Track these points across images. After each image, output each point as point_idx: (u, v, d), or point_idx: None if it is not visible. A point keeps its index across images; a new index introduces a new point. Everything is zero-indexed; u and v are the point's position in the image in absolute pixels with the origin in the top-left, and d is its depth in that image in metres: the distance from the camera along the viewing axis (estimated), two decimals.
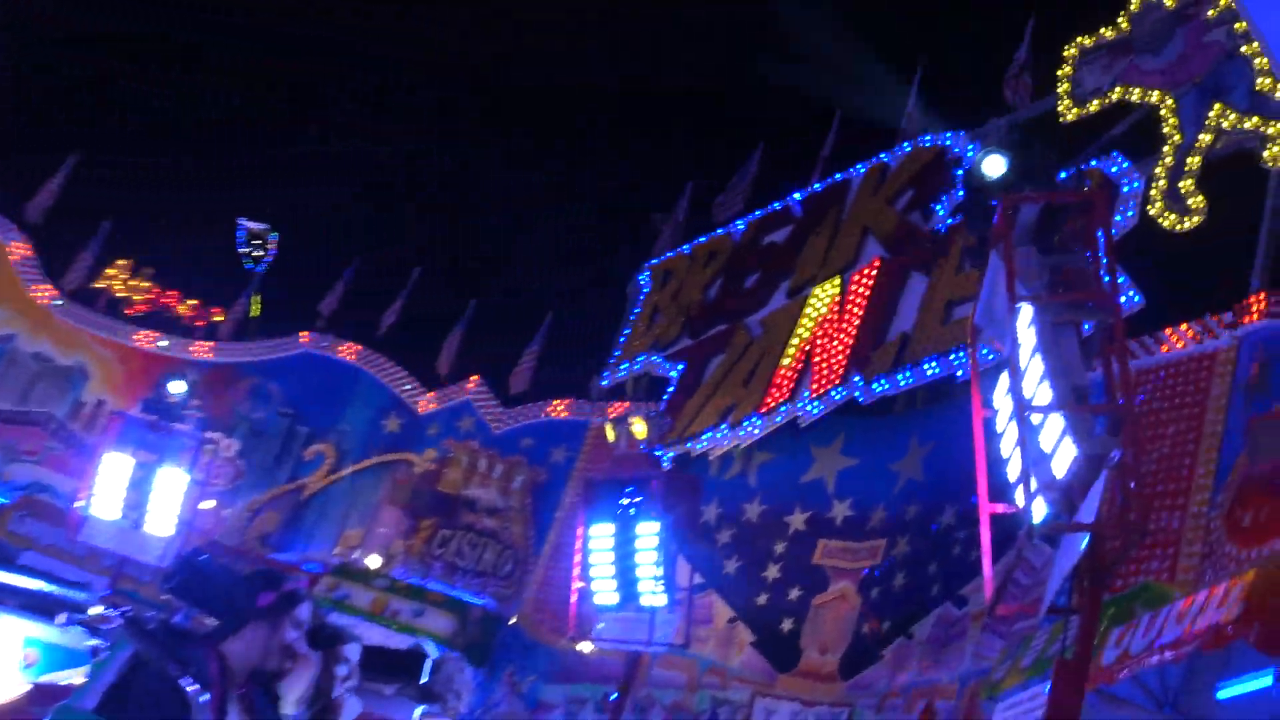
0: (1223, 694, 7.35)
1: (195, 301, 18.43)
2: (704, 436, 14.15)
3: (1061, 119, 12.54)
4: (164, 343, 17.30)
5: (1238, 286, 10.64)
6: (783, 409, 13.60)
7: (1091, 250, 6.94)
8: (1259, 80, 10.93)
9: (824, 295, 14.15)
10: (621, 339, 16.36)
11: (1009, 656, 9.64)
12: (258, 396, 16.90)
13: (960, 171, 12.12)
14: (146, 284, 18.29)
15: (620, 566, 11.55)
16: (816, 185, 15.44)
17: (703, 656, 13.11)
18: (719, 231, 16.33)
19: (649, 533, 11.48)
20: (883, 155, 14.70)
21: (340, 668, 6.39)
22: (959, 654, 11.20)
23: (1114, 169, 11.61)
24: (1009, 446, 6.86)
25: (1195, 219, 11.07)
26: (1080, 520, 6.40)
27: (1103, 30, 12.46)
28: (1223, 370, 10.34)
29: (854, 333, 13.33)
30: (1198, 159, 11.16)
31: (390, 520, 15.59)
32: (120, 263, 18.34)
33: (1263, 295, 10.34)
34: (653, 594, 11.42)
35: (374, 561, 15.02)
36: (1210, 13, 11.54)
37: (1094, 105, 12.36)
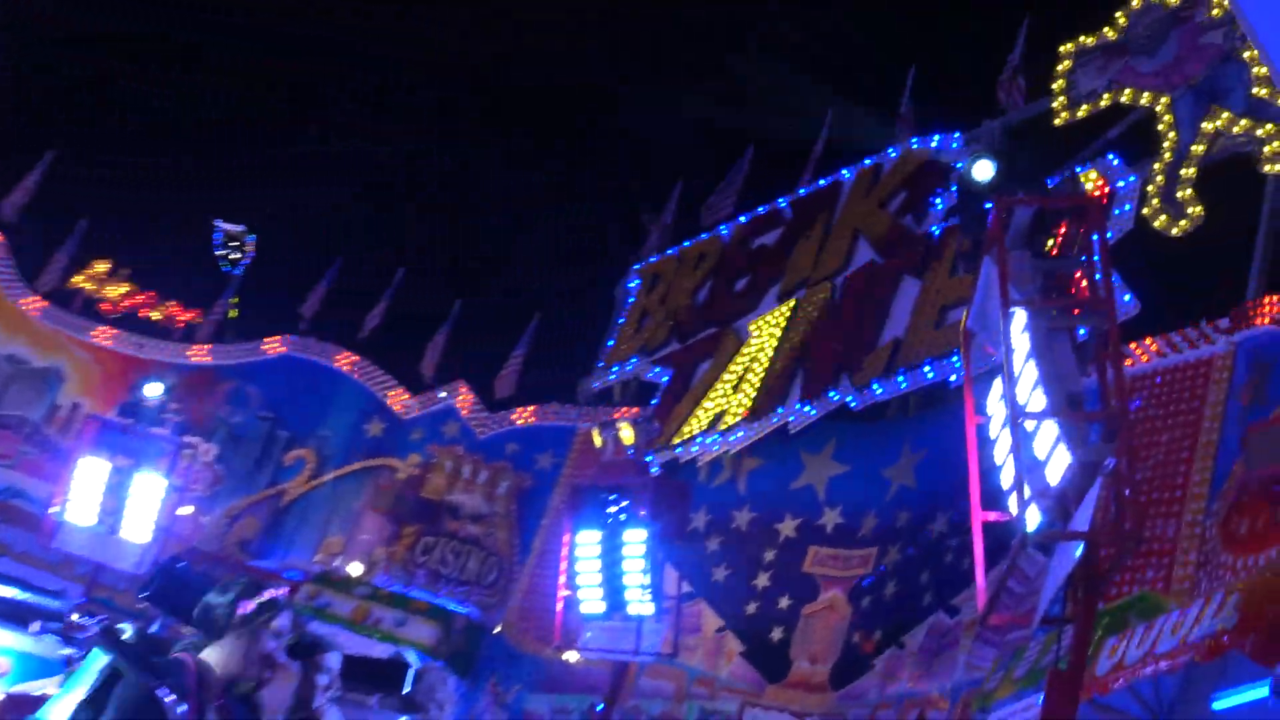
0: (1218, 705, 7.28)
1: (174, 303, 18.20)
2: (693, 443, 14.01)
3: (1056, 121, 12.45)
4: (141, 345, 17.09)
5: (1235, 291, 10.56)
6: (774, 415, 13.45)
7: (1086, 254, 6.88)
8: (1256, 86, 10.84)
9: (815, 299, 14.02)
10: (609, 343, 16.21)
11: (1002, 666, 9.57)
12: (237, 400, 16.71)
13: (954, 174, 12.02)
14: (125, 285, 18.06)
15: (607, 574, 11.50)
16: (807, 188, 15.33)
17: (691, 666, 12.98)
18: (708, 234, 16.20)
19: (636, 540, 11.43)
20: (875, 157, 14.59)
21: (321, 677, 6.31)
22: (951, 664, 11.15)
23: (1109, 172, 11.52)
24: (1002, 453, 6.83)
25: (1191, 222, 10.97)
26: (1074, 528, 6.37)
27: (1101, 31, 12.37)
28: (1219, 377, 10.25)
29: (845, 337, 13.21)
30: (1194, 162, 11.07)
31: (372, 527, 15.42)
32: (99, 263, 18.11)
33: (1266, 300, 10.21)
34: (640, 602, 11.37)
35: (356, 569, 14.84)
36: (1207, 14, 11.45)
37: (1089, 107, 12.28)
